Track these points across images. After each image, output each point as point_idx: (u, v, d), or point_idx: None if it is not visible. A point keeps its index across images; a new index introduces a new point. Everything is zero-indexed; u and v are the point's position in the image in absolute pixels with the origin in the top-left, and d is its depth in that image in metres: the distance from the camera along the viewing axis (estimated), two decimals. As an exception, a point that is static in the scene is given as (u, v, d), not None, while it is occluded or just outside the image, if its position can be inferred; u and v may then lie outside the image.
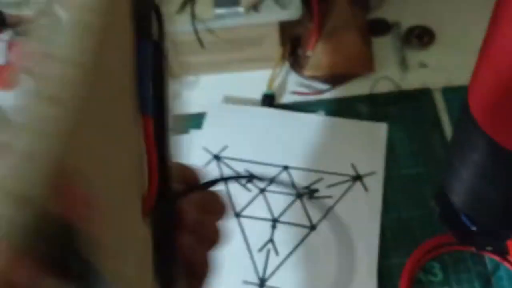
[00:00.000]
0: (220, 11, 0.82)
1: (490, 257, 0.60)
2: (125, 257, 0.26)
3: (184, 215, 0.33)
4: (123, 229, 0.27)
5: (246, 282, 0.62)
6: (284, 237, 0.64)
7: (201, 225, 0.35)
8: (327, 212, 0.66)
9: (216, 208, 0.36)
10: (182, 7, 0.82)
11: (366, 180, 0.68)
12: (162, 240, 0.31)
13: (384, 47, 0.82)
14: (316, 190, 0.68)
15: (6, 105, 0.34)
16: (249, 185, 0.69)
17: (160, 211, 0.30)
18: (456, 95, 0.74)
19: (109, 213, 0.24)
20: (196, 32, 0.81)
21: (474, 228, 0.56)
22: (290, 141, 0.73)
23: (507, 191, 0.49)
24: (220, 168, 0.71)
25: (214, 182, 0.36)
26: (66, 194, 0.19)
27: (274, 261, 0.63)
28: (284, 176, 0.70)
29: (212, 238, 0.36)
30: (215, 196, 0.36)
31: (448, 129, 0.71)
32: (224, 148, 0.72)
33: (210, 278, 0.35)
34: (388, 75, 0.78)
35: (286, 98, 0.79)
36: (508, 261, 0.59)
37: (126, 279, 0.25)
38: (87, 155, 0.22)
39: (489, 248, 0.59)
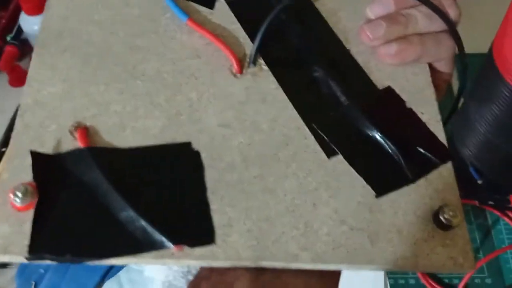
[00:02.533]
0: None
1: (491, 211, 0.63)
2: None
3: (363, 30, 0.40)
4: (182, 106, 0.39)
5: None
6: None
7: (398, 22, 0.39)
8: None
9: None
10: None
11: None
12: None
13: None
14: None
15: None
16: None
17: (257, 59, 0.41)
18: (469, 63, 0.76)
19: None
20: None
21: (480, 181, 0.59)
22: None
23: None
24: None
25: None
26: None
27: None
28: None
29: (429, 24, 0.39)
30: None
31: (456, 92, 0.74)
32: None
33: None
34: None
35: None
36: (508, 216, 0.62)
37: None
38: None
39: (491, 202, 0.62)
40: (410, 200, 0.34)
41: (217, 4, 0.43)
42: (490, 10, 0.82)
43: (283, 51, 0.40)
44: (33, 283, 0.64)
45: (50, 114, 0.37)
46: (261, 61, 0.39)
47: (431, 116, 0.38)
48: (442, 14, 0.39)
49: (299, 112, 0.37)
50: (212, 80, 0.39)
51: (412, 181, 0.35)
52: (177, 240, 0.32)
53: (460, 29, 0.80)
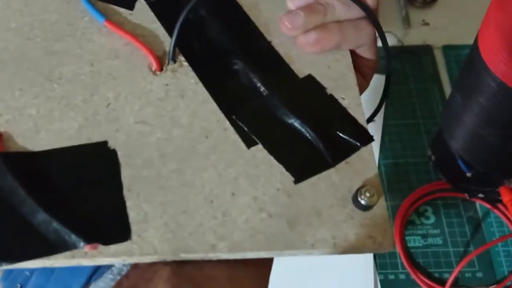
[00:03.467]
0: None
1: (481, 204, 0.63)
2: None
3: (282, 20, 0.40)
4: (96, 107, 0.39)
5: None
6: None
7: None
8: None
9: None
10: None
11: (365, 127, 0.69)
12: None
13: (388, 5, 0.83)
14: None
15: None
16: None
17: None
18: (456, 53, 0.76)
19: None
20: None
21: (469, 174, 0.58)
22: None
23: (509, 133, 0.51)
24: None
25: None
26: None
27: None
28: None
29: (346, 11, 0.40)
30: None
31: (446, 85, 0.73)
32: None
33: None
34: (390, 30, 0.79)
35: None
36: (498, 209, 0.62)
37: None
38: None
39: (480, 195, 0.62)
40: (330, 183, 0.35)
41: (137, 5, 0.43)
42: (480, 1, 0.82)
43: (203, 46, 0.41)
44: (19, 285, 0.64)
45: None
46: (181, 57, 0.40)
47: (351, 101, 0.39)
48: (358, 1, 0.40)
49: (219, 105, 0.38)
50: (131, 79, 0.39)
51: (331, 165, 0.36)
52: (91, 239, 0.32)
53: (448, 20, 0.79)
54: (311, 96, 0.39)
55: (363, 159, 0.36)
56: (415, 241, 0.61)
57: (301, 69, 0.40)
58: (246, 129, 0.37)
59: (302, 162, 0.35)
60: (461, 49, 0.76)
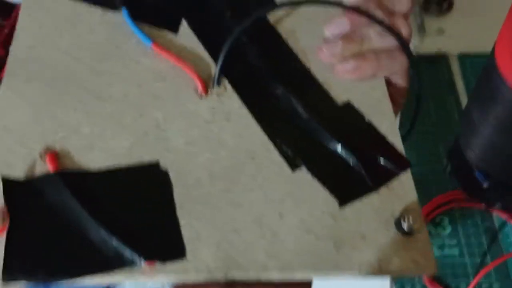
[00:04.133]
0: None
1: (498, 215, 0.62)
2: None
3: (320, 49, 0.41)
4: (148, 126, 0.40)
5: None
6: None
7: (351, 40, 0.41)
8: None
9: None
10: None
11: (381, 136, 0.69)
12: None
13: (403, 12, 0.83)
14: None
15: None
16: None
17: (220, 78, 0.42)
18: (472, 61, 0.75)
19: None
20: None
21: (486, 185, 0.58)
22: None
23: (526, 145, 0.51)
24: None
25: None
26: None
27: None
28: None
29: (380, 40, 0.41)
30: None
31: (463, 94, 0.73)
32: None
33: None
34: (406, 38, 0.79)
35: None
36: (515, 219, 0.61)
37: None
38: None
39: (498, 205, 0.61)
40: (372, 207, 0.36)
41: (181, 29, 0.44)
42: (496, 8, 0.81)
43: (246, 71, 0.42)
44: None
45: (19, 140, 0.38)
46: (225, 81, 0.41)
47: (388, 128, 0.40)
48: (393, 32, 0.41)
49: (262, 128, 0.39)
50: (177, 101, 0.40)
51: (373, 189, 0.37)
52: (148, 256, 0.33)
53: (464, 27, 0.79)
54: (350, 122, 0.40)
55: (402, 184, 0.37)
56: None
57: (338, 96, 0.41)
58: (289, 152, 0.37)
59: (345, 186, 0.36)
60: (477, 57, 0.75)
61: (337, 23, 0.41)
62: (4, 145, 0.37)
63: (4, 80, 0.41)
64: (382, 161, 0.38)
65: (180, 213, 0.35)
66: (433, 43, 0.79)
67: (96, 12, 0.45)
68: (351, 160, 0.37)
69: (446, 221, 0.62)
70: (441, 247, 0.61)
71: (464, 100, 0.72)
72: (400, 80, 0.43)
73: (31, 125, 0.38)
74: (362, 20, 0.40)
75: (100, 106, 0.39)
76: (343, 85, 0.41)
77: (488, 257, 0.60)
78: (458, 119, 0.69)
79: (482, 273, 0.57)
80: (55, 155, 0.37)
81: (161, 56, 0.41)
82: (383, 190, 0.37)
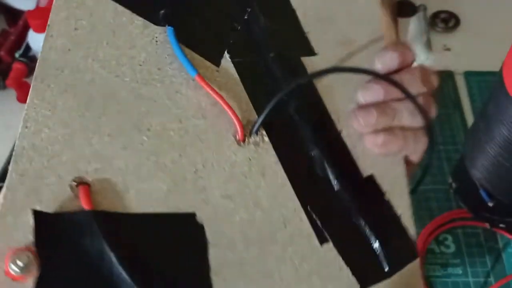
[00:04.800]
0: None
1: (502, 234, 0.62)
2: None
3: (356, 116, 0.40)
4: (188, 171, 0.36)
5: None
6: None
7: (391, 114, 0.40)
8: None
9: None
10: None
11: (385, 152, 0.69)
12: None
13: (410, 29, 0.83)
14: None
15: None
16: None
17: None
18: (478, 79, 0.76)
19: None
20: None
21: (491, 204, 0.58)
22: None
23: (533, 166, 0.50)
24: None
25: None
26: None
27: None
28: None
29: (410, 120, 0.40)
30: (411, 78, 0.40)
31: (468, 112, 0.73)
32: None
33: None
34: (412, 55, 0.79)
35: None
36: (520, 239, 0.61)
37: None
38: None
39: (502, 225, 0.61)
40: None
41: (222, 62, 0.41)
42: (503, 27, 0.81)
43: (283, 124, 0.39)
44: None
45: (49, 164, 0.34)
46: (262, 131, 0.39)
47: (404, 211, 0.38)
48: (425, 113, 0.40)
49: (296, 193, 0.37)
50: (217, 145, 0.38)
51: (390, 275, 0.36)
52: None
53: (471, 45, 0.79)
54: (372, 198, 0.39)
55: (411, 273, 0.37)
56: (434, 270, 0.60)
57: (362, 167, 0.40)
58: (319, 223, 0.37)
59: (367, 269, 0.36)
60: (483, 75, 0.76)
61: (372, 91, 0.40)
62: (32, 168, 0.33)
63: (34, 86, 0.36)
64: (398, 246, 0.37)
65: (214, 275, 0.33)
66: (439, 61, 0.79)
67: (138, 22, 0.40)
68: (373, 240, 0.37)
69: (449, 239, 0.62)
70: (445, 265, 0.60)
71: (469, 118, 0.72)
72: (415, 159, 0.42)
73: (63, 148, 0.34)
74: (395, 91, 0.40)
75: (138, 138, 0.36)
76: (368, 156, 0.40)
77: (491, 276, 0.59)
78: (463, 137, 0.69)
79: (485, 293, 0.57)
80: (88, 190, 0.33)
81: (202, 89, 0.39)
82: (395, 276, 0.36)
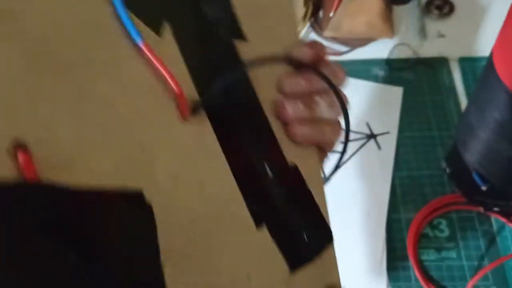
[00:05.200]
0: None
1: (496, 218, 0.62)
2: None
3: (284, 107, 0.40)
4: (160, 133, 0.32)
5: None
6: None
7: (311, 106, 0.41)
8: (340, 166, 0.67)
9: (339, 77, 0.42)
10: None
11: (380, 139, 0.70)
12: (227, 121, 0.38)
13: (404, 16, 0.83)
14: (331, 145, 0.70)
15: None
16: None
17: (207, 103, 0.36)
18: (472, 65, 0.76)
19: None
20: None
21: (484, 188, 0.58)
22: (308, 97, 0.75)
23: (524, 149, 0.51)
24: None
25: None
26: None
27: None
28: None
29: (329, 112, 0.41)
30: (336, 67, 0.42)
31: (462, 97, 0.73)
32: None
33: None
34: (406, 42, 0.79)
35: (305, 57, 0.81)
36: (513, 223, 0.61)
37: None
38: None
39: (496, 209, 0.61)
40: (307, 276, 0.37)
41: (166, 34, 0.38)
42: (497, 13, 0.82)
43: (221, 109, 0.39)
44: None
45: None
46: (203, 111, 0.37)
47: (319, 200, 0.39)
48: (344, 104, 0.41)
49: (234, 176, 0.37)
50: (163, 121, 0.35)
51: (313, 259, 0.38)
52: None
53: (465, 31, 0.79)
54: (297, 187, 0.40)
55: (329, 256, 0.39)
56: (428, 254, 0.61)
57: (287, 157, 0.40)
58: (255, 207, 0.37)
59: (295, 253, 0.37)
60: (477, 61, 0.76)
61: (297, 82, 0.41)
62: None
63: None
64: (319, 231, 0.39)
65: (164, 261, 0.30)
66: (433, 47, 0.79)
67: None
68: (301, 227, 0.38)
69: (444, 224, 0.63)
70: (439, 249, 0.61)
71: (464, 103, 0.72)
72: (330, 149, 0.43)
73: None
74: (317, 84, 0.41)
75: (81, 107, 0.32)
76: (286, 146, 0.40)
77: (486, 260, 0.60)
78: (457, 123, 0.69)
79: (479, 275, 0.57)
80: (29, 157, 0.27)
81: (148, 59, 0.36)
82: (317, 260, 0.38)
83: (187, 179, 0.34)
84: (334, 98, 0.41)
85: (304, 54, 0.41)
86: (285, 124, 0.40)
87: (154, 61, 0.36)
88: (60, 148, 0.29)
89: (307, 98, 0.41)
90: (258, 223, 0.36)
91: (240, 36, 0.42)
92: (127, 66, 0.35)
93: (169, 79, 0.36)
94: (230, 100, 0.40)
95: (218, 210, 0.35)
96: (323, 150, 0.43)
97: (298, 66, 0.41)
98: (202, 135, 0.37)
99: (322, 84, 0.41)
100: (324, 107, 0.41)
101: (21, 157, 0.26)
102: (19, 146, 0.27)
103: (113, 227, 0.28)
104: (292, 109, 0.40)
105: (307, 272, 0.37)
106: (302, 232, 0.38)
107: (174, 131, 0.35)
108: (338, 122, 0.43)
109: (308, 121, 0.41)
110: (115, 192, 0.29)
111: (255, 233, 0.36)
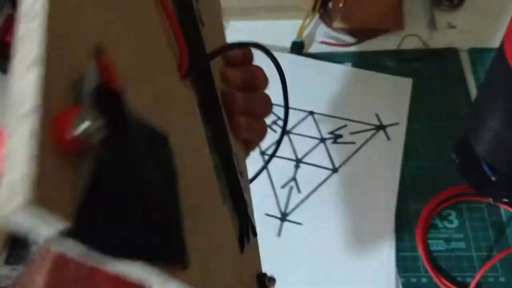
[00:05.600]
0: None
1: (505, 209, 0.62)
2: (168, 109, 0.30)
3: (235, 98, 0.41)
4: (162, 88, 0.29)
5: (268, 215, 0.64)
6: (307, 177, 0.67)
7: (251, 100, 0.42)
8: (350, 157, 0.68)
9: (259, 81, 0.45)
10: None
11: (389, 130, 0.69)
12: (205, 94, 0.38)
13: (414, 6, 0.83)
14: (340, 136, 0.70)
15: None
16: (274, 126, 0.71)
17: (197, 70, 0.36)
18: (482, 56, 0.75)
19: (143, 76, 0.26)
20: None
21: (494, 178, 0.58)
22: (317, 88, 0.74)
23: (534, 138, 0.50)
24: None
25: (242, 44, 0.42)
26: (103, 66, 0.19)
27: (296, 198, 0.65)
28: (309, 120, 0.72)
29: (263, 108, 0.44)
30: (257, 70, 0.45)
31: (472, 88, 0.73)
32: (252, 90, 0.74)
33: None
34: (416, 33, 0.79)
35: (314, 48, 0.80)
36: (523, 214, 0.61)
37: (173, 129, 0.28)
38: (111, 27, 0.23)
39: (505, 200, 0.61)
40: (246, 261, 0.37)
41: None
42: (507, 4, 0.81)
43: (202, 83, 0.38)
44: None
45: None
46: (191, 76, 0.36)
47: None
48: (286, 94, 0.44)
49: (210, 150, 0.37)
50: (167, 75, 0.32)
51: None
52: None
53: (475, 22, 0.79)
54: (235, 176, 0.40)
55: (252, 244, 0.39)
56: (437, 245, 0.61)
57: None
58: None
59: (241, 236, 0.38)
60: (487, 52, 0.75)
61: (237, 74, 0.43)
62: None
63: None
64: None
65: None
66: (443, 38, 0.79)
67: None
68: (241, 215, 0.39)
69: (453, 215, 0.62)
70: (448, 240, 0.61)
71: (474, 94, 0.72)
72: (258, 143, 0.47)
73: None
74: (251, 82, 0.43)
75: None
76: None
77: (495, 250, 0.60)
78: (467, 113, 0.69)
79: (487, 266, 0.57)
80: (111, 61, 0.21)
81: (166, 13, 0.33)
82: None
83: (185, 137, 0.32)
84: (265, 97, 0.44)
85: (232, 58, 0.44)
86: (230, 114, 0.41)
87: (170, 18, 0.33)
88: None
89: (247, 92, 0.43)
90: (224, 198, 0.37)
91: (200, 19, 0.42)
92: (147, 17, 0.31)
93: (179, 38, 0.33)
94: (204, 81, 0.40)
95: (199, 177, 0.33)
96: (252, 143, 0.46)
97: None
98: (192, 100, 0.36)
99: (257, 80, 0.44)
100: (258, 103, 0.44)
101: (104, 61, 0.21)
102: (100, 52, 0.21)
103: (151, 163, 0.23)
104: (243, 99, 0.42)
105: (245, 258, 0.37)
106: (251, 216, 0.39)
107: (176, 85, 0.34)
108: (265, 120, 0.45)
109: (249, 114, 0.42)
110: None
111: (220, 207, 0.36)
